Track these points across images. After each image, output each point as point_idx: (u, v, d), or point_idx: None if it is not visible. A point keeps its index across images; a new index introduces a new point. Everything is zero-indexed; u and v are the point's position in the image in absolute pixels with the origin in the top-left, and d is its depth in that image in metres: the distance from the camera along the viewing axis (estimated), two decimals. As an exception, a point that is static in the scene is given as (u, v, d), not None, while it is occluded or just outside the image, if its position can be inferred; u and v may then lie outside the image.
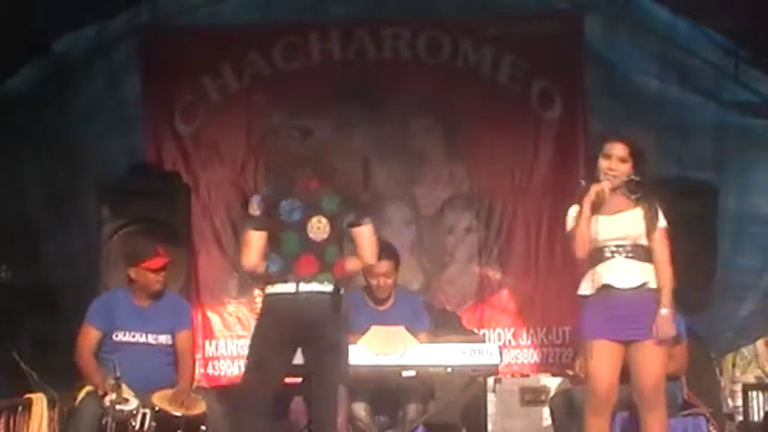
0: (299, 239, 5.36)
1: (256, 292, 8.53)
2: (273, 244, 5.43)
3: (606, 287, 5.47)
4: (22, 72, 8.31)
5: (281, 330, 5.33)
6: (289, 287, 5.32)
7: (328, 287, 5.37)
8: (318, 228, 5.34)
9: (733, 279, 8.22)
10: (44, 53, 8.35)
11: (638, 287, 5.47)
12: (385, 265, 6.81)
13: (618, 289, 5.46)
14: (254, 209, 5.50)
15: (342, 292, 5.45)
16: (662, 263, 5.52)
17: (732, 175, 8.32)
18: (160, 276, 6.51)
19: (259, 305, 8.38)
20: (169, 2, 8.67)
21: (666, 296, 5.48)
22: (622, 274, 5.46)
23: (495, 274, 8.57)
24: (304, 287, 5.33)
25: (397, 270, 6.91)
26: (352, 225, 5.45)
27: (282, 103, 8.60)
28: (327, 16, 8.68)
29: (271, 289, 5.41)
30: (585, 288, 5.56)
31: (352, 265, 5.59)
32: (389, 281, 6.82)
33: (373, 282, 6.81)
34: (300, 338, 5.37)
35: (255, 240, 5.44)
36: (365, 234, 5.44)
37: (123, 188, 7.86)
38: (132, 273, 6.49)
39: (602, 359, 5.44)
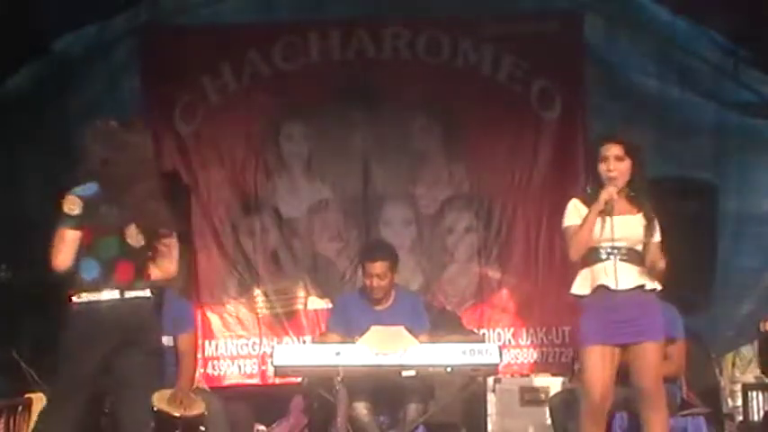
0: (119, 244, 5.22)
1: (256, 291, 8.56)
2: (90, 248, 5.21)
3: (602, 288, 5.46)
4: (22, 72, 8.31)
5: (106, 338, 5.19)
6: (113, 294, 5.17)
7: (144, 293, 5.24)
8: (137, 234, 5.25)
9: (733, 279, 8.22)
10: (44, 53, 8.35)
11: (634, 288, 5.47)
12: (380, 267, 6.81)
13: (614, 291, 5.45)
14: (73, 207, 5.21)
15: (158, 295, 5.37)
16: (659, 263, 5.54)
17: (732, 175, 8.32)
18: None
19: (260, 305, 8.50)
20: (169, 1, 8.67)
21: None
22: (619, 276, 5.45)
23: (494, 274, 8.56)
24: (129, 293, 5.19)
25: (394, 271, 6.89)
26: (164, 236, 5.37)
27: (282, 103, 8.62)
28: (327, 16, 8.68)
29: (89, 297, 5.18)
30: (580, 287, 5.55)
31: (155, 273, 5.40)
32: (383, 282, 6.81)
33: (367, 282, 6.82)
34: (122, 344, 5.19)
35: (71, 240, 5.18)
36: (171, 246, 5.36)
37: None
38: None
39: (597, 366, 5.43)
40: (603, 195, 5.45)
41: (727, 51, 8.30)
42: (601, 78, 8.49)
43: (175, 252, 5.35)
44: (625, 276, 5.46)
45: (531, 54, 8.52)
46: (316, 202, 8.66)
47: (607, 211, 5.45)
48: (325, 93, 8.59)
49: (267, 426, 7.83)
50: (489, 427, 7.24)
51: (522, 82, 8.56)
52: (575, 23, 8.48)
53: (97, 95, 8.52)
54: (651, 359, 5.45)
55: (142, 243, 5.24)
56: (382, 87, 8.55)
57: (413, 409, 6.51)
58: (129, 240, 5.21)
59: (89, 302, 5.16)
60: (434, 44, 8.58)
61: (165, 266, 5.35)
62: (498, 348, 6.50)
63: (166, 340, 6.58)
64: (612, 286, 5.45)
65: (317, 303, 8.53)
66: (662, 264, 5.55)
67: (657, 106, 8.39)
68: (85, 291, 5.17)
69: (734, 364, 12.03)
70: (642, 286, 5.48)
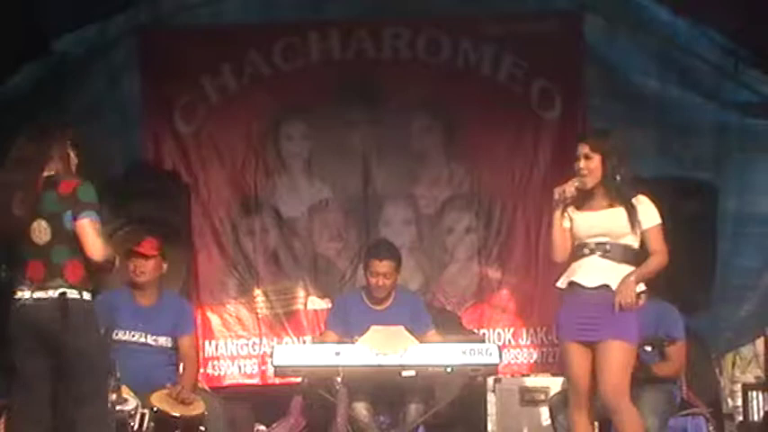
0: (26, 245, 5.20)
1: (256, 292, 8.56)
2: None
3: (573, 284, 5.53)
4: (23, 72, 8.31)
5: (25, 339, 5.16)
6: (25, 294, 5.19)
7: (53, 293, 5.17)
8: (40, 231, 5.22)
9: (733, 279, 8.22)
10: (44, 53, 8.35)
11: (597, 287, 5.47)
12: (386, 266, 6.81)
13: (583, 288, 5.49)
14: None
15: (70, 295, 5.18)
16: (656, 253, 5.51)
17: (732, 175, 8.32)
18: (148, 265, 6.52)
19: (260, 305, 8.51)
20: (169, 1, 8.66)
21: (640, 272, 5.47)
22: (590, 272, 5.49)
23: (494, 274, 8.56)
24: (37, 294, 5.17)
25: (398, 271, 6.92)
26: (73, 220, 5.32)
27: (282, 103, 8.62)
28: (327, 16, 8.67)
29: (14, 296, 5.25)
30: (561, 281, 5.64)
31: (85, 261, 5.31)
32: (389, 281, 6.81)
33: (372, 280, 6.81)
34: (45, 348, 5.17)
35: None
36: (83, 228, 5.20)
37: (123, 188, 7.87)
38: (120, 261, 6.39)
39: (577, 359, 5.51)
40: (557, 189, 5.56)
41: (727, 51, 8.29)
42: (601, 78, 8.49)
43: (89, 231, 5.16)
44: (597, 274, 5.48)
45: (531, 54, 8.52)
46: (316, 202, 8.66)
47: (564, 205, 5.54)
48: (325, 93, 8.59)
49: (267, 426, 7.82)
50: (489, 427, 7.23)
51: (522, 82, 8.56)
52: (575, 23, 8.48)
53: (97, 95, 8.52)
54: (609, 359, 5.41)
55: (48, 238, 5.20)
56: (382, 87, 8.56)
57: (413, 409, 6.51)
58: (34, 239, 5.20)
59: (12, 300, 5.22)
60: (434, 44, 8.58)
61: (85, 251, 5.24)
62: (498, 348, 6.51)
63: (165, 341, 6.59)
64: (582, 282, 5.50)
65: (317, 303, 8.53)
66: (664, 255, 5.52)
67: (657, 106, 8.39)
68: (14, 291, 5.24)
69: (734, 364, 12.04)
70: (604, 285, 5.47)
